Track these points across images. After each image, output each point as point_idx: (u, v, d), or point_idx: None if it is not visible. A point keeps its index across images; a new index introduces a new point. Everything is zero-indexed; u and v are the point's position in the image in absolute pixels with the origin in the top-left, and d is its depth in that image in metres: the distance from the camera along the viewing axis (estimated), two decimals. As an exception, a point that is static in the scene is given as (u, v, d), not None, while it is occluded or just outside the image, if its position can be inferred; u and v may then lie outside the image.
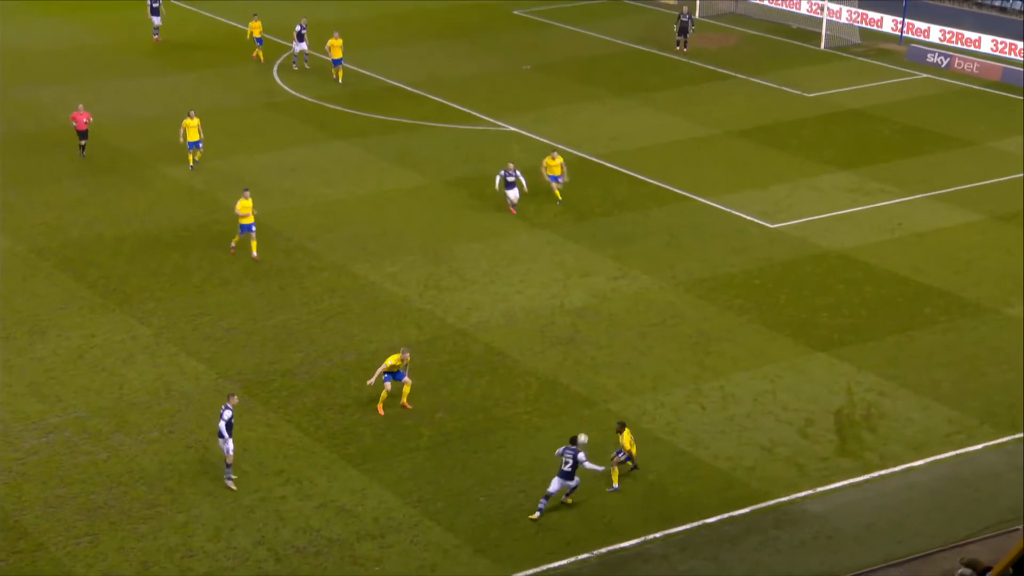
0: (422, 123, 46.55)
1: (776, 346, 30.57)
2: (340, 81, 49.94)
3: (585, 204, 39.08)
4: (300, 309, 32.58)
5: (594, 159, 42.90)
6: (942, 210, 38.27)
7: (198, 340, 30.83)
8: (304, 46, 51.49)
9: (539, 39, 57.72)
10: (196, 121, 40.79)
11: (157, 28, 55.83)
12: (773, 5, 61.34)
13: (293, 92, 49.86)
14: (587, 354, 30.34)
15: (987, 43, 53.94)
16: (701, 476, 25.76)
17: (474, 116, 47.06)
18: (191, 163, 41.19)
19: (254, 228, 35.05)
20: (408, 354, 27.95)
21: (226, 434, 25.19)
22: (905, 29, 56.46)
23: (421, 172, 41.79)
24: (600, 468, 24.86)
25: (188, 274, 34.47)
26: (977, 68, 51.64)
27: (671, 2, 63.37)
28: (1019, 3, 56.33)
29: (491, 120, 46.67)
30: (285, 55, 54.54)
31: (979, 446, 26.47)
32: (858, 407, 28.00)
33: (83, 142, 42.05)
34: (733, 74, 52.02)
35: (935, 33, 55.67)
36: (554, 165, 38.29)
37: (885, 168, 41.67)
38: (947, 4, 58.31)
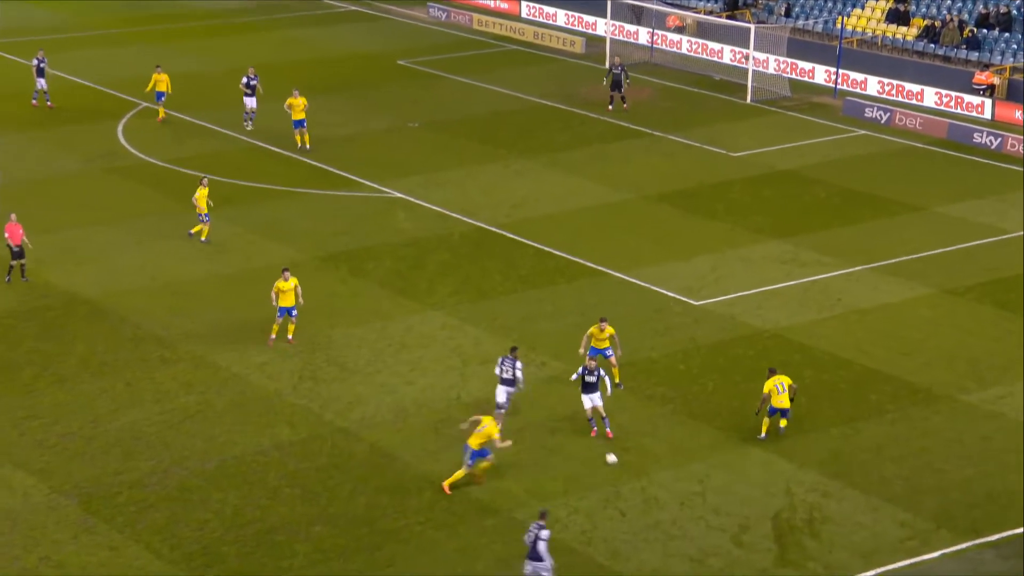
0: (295, 189, 46.49)
1: (704, 440, 30.81)
2: (306, 146, 49.57)
3: (485, 280, 39.23)
4: (150, 408, 32.04)
5: (494, 229, 43.19)
6: (886, 283, 39.17)
7: (26, 448, 30.11)
8: (255, 103, 51.55)
9: (428, 93, 58.27)
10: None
11: (46, 92, 54.75)
12: (692, 54, 62.80)
13: (140, 155, 49.57)
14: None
15: (930, 96, 55.79)
16: (622, 594, 25.73)
17: (354, 181, 47.14)
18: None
19: (295, 312, 34.76)
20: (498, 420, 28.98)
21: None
22: (840, 81, 58.16)
23: (294, 246, 41.64)
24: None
25: (15, 369, 33.77)
26: (920, 124, 53.30)
27: (578, 51, 64.54)
28: (963, 52, 58.42)
29: (374, 185, 46.80)
30: (131, 113, 54.28)
31: (935, 553, 26.83)
32: (799, 510, 28.26)
33: (21, 262, 38.44)
34: (650, 131, 52.99)
35: (873, 85, 57.42)
36: (602, 337, 32.66)
37: (822, 236, 42.60)
38: (885, 53, 60.27)
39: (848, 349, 35.06)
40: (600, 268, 40.10)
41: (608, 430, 30.71)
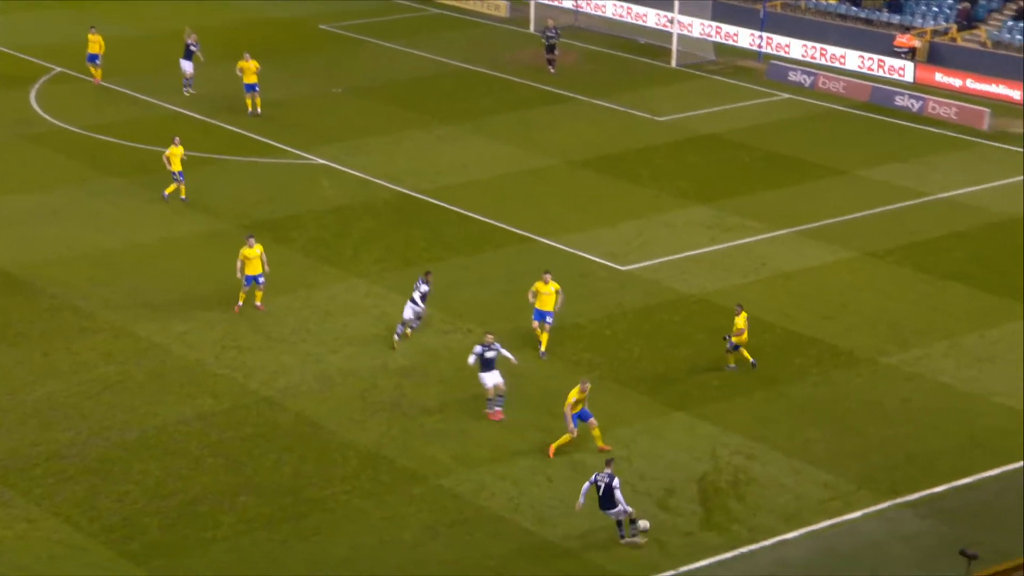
0: (215, 156, 46.07)
1: (630, 405, 31.05)
2: (257, 111, 49.03)
3: (409, 248, 39.16)
4: (69, 379, 31.70)
5: (418, 195, 43.10)
6: (810, 247, 39.59)
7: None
8: (192, 68, 50.53)
9: (351, 58, 57.90)
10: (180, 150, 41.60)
11: None
12: (617, 18, 62.86)
13: (56, 121, 48.83)
14: (415, 422, 30.30)
15: (853, 59, 56.31)
16: (549, 559, 25.89)
17: (276, 147, 46.78)
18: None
19: (262, 279, 34.42)
20: (588, 384, 28.79)
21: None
22: (764, 44, 58.52)
23: (215, 215, 41.29)
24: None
25: (-69, 341, 33.31)
26: (843, 87, 53.81)
27: (503, 15, 64.35)
28: (885, 15, 59.00)
29: (296, 152, 46.48)
30: (45, 78, 53.46)
31: (857, 514, 27.29)
32: (724, 473, 28.60)
33: None
34: (575, 96, 53.04)
35: (797, 49, 57.83)
36: (547, 291, 32.71)
37: (746, 201, 42.96)
38: (809, 16, 60.70)
39: (772, 313, 35.43)
40: (526, 234, 40.18)
41: (499, 409, 30.10)
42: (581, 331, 34.40)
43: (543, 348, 33.06)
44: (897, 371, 32.65)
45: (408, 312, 33.21)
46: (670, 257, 38.73)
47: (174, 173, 41.32)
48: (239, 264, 34.43)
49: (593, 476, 26.30)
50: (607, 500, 26.03)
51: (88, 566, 25.39)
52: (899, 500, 27.61)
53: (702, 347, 33.70)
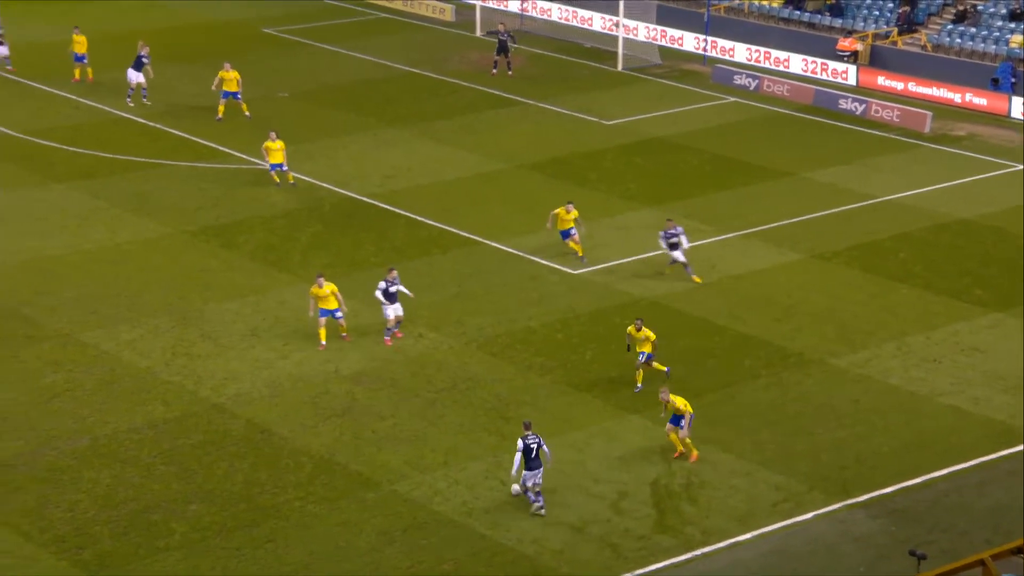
0: (160, 161, 45.85)
1: (583, 409, 31.26)
2: (246, 115, 49.08)
3: (357, 252, 39.18)
4: (16, 388, 31.49)
5: (365, 199, 43.12)
6: (758, 249, 40.01)
7: None
8: (141, 78, 49.98)
9: (295, 62, 57.77)
10: (279, 144, 42.88)
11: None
12: (562, 21, 63.14)
13: (-1, 126, 48.43)
14: (367, 427, 30.34)
15: (797, 63, 56.90)
16: (504, 563, 26.03)
17: (222, 152, 46.65)
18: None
19: (339, 313, 33.58)
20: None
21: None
22: (709, 48, 59.02)
23: (161, 220, 41.11)
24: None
25: None
26: (787, 91, 54.38)
27: (448, 19, 64.46)
28: (827, 19, 59.67)
29: (242, 156, 46.35)
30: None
31: (809, 515, 27.63)
32: (676, 476, 28.86)
33: None
34: (521, 99, 53.24)
35: (741, 52, 58.37)
36: (567, 219, 38.14)
37: (695, 203, 43.33)
38: (752, 20, 61.26)
39: (722, 315, 35.77)
40: (475, 238, 40.31)
41: (398, 331, 33.74)
42: (533, 335, 34.57)
43: (580, 254, 38.14)
44: (846, 373, 33.07)
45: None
46: (620, 260, 38.99)
47: (272, 165, 42.52)
48: (311, 303, 33.80)
49: (521, 443, 27.02)
50: (537, 460, 27.02)
51: (39, 576, 25.25)
52: (850, 501, 27.98)
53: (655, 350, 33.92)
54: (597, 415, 31.00)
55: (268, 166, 43.43)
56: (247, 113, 49.33)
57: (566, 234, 38.33)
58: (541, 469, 27.12)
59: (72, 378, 32.00)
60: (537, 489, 27.28)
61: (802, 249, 39.98)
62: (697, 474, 28.84)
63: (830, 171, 46.36)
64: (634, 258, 39.17)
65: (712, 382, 32.53)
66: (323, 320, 33.56)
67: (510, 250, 39.41)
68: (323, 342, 33.59)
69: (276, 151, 43.23)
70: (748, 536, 26.91)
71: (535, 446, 27.10)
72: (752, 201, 43.68)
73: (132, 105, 50.49)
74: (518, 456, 26.92)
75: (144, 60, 50.20)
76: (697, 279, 37.06)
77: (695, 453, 29.31)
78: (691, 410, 29.16)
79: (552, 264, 38.65)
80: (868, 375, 32.98)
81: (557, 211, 38.39)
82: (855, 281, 38.03)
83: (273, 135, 43.34)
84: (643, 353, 31.98)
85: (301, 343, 33.89)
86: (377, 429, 30.22)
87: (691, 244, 38.05)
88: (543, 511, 27.12)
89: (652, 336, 31.96)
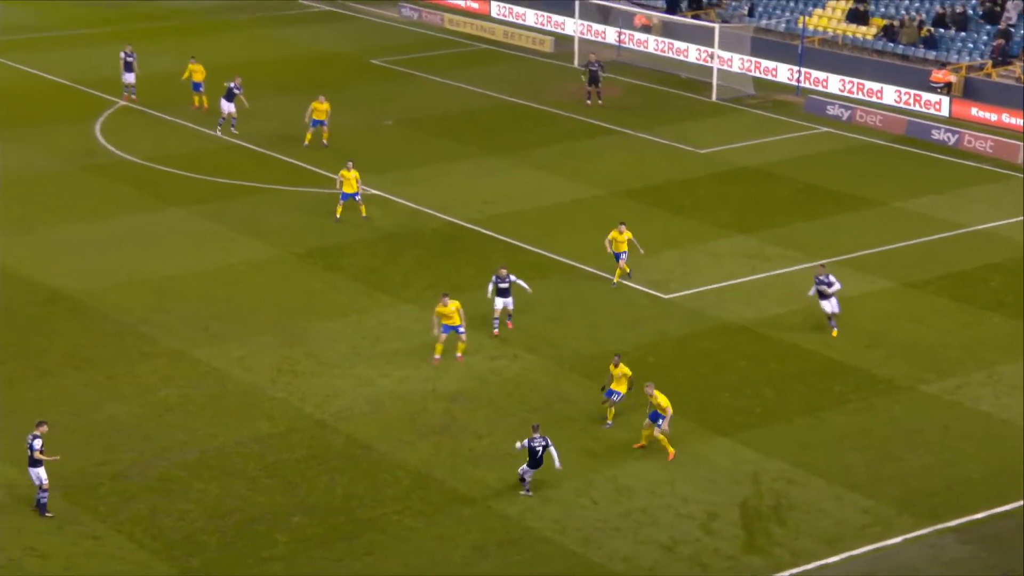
0: (271, 187, 46.45)
1: (673, 431, 30.96)
2: (324, 143, 49.58)
3: (457, 275, 39.31)
4: (132, 401, 31.99)
5: (466, 224, 43.27)
6: (848, 277, 39.41)
7: (10, 441, 29.95)
8: (232, 108, 50.93)
9: (401, 91, 58.25)
10: (354, 173, 42.65)
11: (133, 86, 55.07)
12: (659, 53, 62.99)
13: (119, 153, 49.39)
14: (464, 444, 30.37)
15: (890, 94, 56.14)
16: (595, 580, 25.89)
17: (329, 178, 47.09)
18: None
19: (461, 329, 33.76)
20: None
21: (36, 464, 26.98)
22: (802, 79, 58.46)
23: (270, 242, 41.61)
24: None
25: (-1, 364, 33.69)
26: (880, 121, 53.66)
27: (547, 50, 64.63)
28: (921, 51, 58.85)
29: (349, 182, 46.70)
30: (110, 110, 54.15)
31: (898, 539, 27.12)
32: (766, 498, 28.50)
33: None
34: (618, 129, 53.14)
35: (834, 83, 57.73)
36: (621, 240, 37.95)
37: (786, 231, 42.87)
38: (846, 52, 60.62)
39: (812, 341, 35.31)
40: (571, 263, 40.24)
41: (510, 322, 35.02)
42: (624, 358, 34.30)
43: (616, 279, 38.17)
44: (936, 399, 32.46)
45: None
46: (711, 286, 38.69)
47: (344, 195, 42.43)
48: (435, 320, 34.02)
49: (527, 441, 27.70)
50: (540, 460, 27.76)
51: (149, 582, 25.59)
52: (940, 526, 27.43)
53: (744, 374, 33.64)
54: (687, 437, 30.71)
55: (340, 194, 42.79)
56: (325, 141, 49.59)
57: (619, 256, 38.14)
58: (540, 468, 28.22)
59: (184, 393, 32.45)
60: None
61: (892, 277, 39.38)
62: (786, 497, 28.46)
63: (921, 200, 45.63)
64: (724, 284, 38.85)
65: (802, 406, 32.11)
66: (444, 336, 33.76)
67: (605, 275, 39.28)
68: (437, 356, 33.78)
69: (350, 180, 42.74)
70: (837, 559, 26.48)
71: (540, 448, 27.74)
72: (842, 229, 43.12)
73: (220, 135, 51.15)
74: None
75: (236, 91, 50.95)
76: (835, 333, 35.18)
77: (671, 452, 29.38)
78: (672, 410, 29.30)
79: (645, 289, 38.45)
80: (958, 402, 32.35)
81: (611, 235, 38.09)
82: (945, 309, 37.35)
83: (350, 164, 43.18)
84: (615, 392, 30.70)
85: (401, 362, 34.05)
86: (473, 447, 30.24)
87: (783, 271, 37.63)
88: (527, 494, 28.16)
89: (629, 372, 30.69)
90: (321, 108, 49.62)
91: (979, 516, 27.74)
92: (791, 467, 29.46)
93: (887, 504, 28.20)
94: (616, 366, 30.93)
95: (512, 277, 35.23)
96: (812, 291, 35.61)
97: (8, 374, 33.17)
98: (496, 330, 35.05)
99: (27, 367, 33.51)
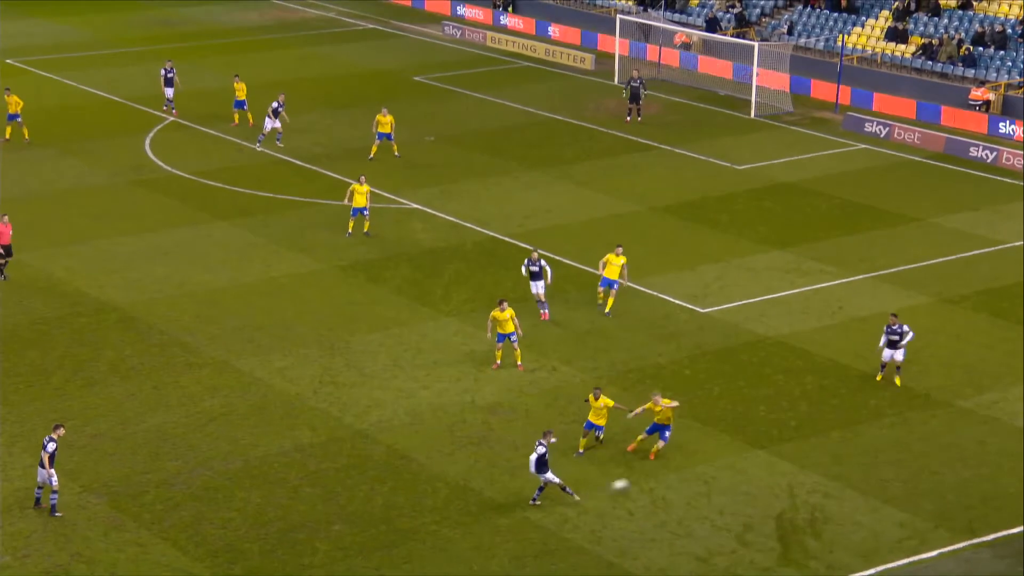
0: (314, 201, 46.67)
1: (710, 443, 30.89)
2: (396, 154, 50.14)
3: (497, 288, 39.32)
4: (176, 411, 32.18)
5: (506, 238, 43.32)
6: (885, 292, 39.21)
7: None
8: (277, 124, 51.25)
9: (443, 108, 58.43)
10: (365, 188, 42.34)
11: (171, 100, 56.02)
12: (698, 70, 62.87)
13: (167, 167, 49.76)
14: (502, 455, 30.36)
15: (929, 113, 55.71)
16: (631, 591, 25.80)
17: (378, 193, 47.27)
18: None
19: (515, 337, 33.89)
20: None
21: (47, 465, 27.29)
22: (840, 96, 58.17)
23: (313, 256, 41.80)
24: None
25: (47, 374, 33.93)
26: (918, 138, 53.34)
27: (588, 68, 64.68)
28: (960, 69, 58.47)
29: (391, 196, 46.94)
30: (159, 126, 54.63)
31: (934, 552, 26.88)
32: (801, 510, 28.33)
33: (5, 259, 38.90)
34: (656, 145, 53.08)
35: (874, 102, 57.39)
36: (616, 263, 36.62)
37: (823, 246, 42.66)
38: (884, 70, 60.31)
39: (848, 355, 35.10)
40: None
41: (546, 312, 36.46)
42: (662, 371, 34.31)
43: (607, 309, 36.90)
44: (973, 414, 32.17)
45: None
46: (749, 300, 38.55)
47: (355, 210, 42.31)
48: (489, 324, 34.03)
49: (541, 448, 27.94)
50: (543, 466, 27.93)
51: (192, 588, 25.71)
52: (976, 540, 27.17)
53: (780, 387, 33.48)
54: (723, 449, 30.60)
55: (351, 209, 42.55)
56: (396, 153, 50.06)
57: (607, 283, 36.81)
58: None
59: (227, 403, 32.62)
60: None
61: (929, 292, 39.09)
62: (821, 510, 28.27)
63: (959, 217, 45.31)
64: (762, 298, 38.69)
65: (837, 420, 31.91)
66: (500, 344, 33.93)
67: (643, 289, 39.21)
68: (498, 361, 34.08)
69: (361, 195, 42.34)
70: (872, 572, 26.28)
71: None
72: (879, 245, 42.87)
73: (259, 149, 51.40)
74: (534, 457, 27.93)
75: (279, 108, 51.26)
76: (898, 381, 33.23)
77: (654, 454, 29.77)
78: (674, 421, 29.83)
79: (683, 303, 38.36)
80: (995, 417, 32.05)
81: (607, 256, 36.85)
82: (982, 325, 37.04)
83: (363, 179, 43.05)
84: (596, 426, 29.93)
85: (441, 374, 34.10)
86: (511, 458, 30.21)
87: (820, 285, 37.44)
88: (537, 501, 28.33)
89: (610, 403, 29.77)
90: (385, 121, 50.06)
91: (1015, 531, 27.46)
92: (827, 480, 29.27)
93: (923, 518, 27.96)
94: (597, 399, 29.91)
95: (543, 262, 36.52)
96: (883, 340, 33.41)
97: (57, 384, 33.45)
98: (544, 314, 36.60)
99: (76, 377, 33.78)
